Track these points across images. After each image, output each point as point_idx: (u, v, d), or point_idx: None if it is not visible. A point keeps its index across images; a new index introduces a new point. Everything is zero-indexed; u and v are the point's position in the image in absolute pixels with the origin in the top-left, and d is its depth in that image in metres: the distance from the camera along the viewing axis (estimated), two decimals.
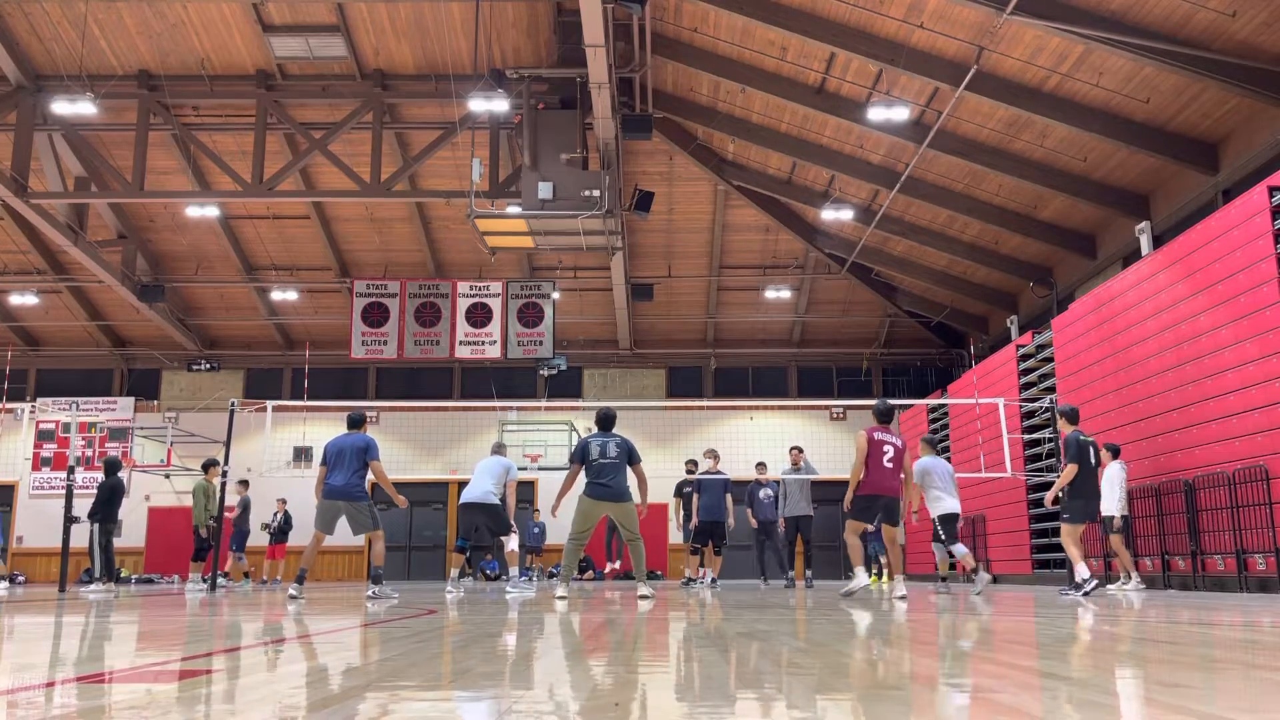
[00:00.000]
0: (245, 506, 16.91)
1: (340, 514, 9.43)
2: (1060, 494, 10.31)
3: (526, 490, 21.01)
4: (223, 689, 2.53)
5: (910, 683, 2.67)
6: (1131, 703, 2.28)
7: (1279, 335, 9.89)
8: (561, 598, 8.60)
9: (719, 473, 14.45)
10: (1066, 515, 10.10)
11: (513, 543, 11.96)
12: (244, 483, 16.99)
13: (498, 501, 11.69)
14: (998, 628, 4.94)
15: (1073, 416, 10.46)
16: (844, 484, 9.12)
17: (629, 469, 8.97)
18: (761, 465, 15.06)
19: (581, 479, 9.07)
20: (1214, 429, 10.93)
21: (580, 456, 9.03)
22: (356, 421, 9.92)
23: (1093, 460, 10.11)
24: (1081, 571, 9.66)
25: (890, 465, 8.82)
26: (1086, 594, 9.40)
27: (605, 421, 9.20)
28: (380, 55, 16.78)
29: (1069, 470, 9.97)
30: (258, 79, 16.99)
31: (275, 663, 3.30)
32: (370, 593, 9.32)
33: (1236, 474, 10.47)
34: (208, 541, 14.42)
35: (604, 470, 8.84)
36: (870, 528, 9.56)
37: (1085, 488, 10.09)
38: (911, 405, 21.66)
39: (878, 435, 8.93)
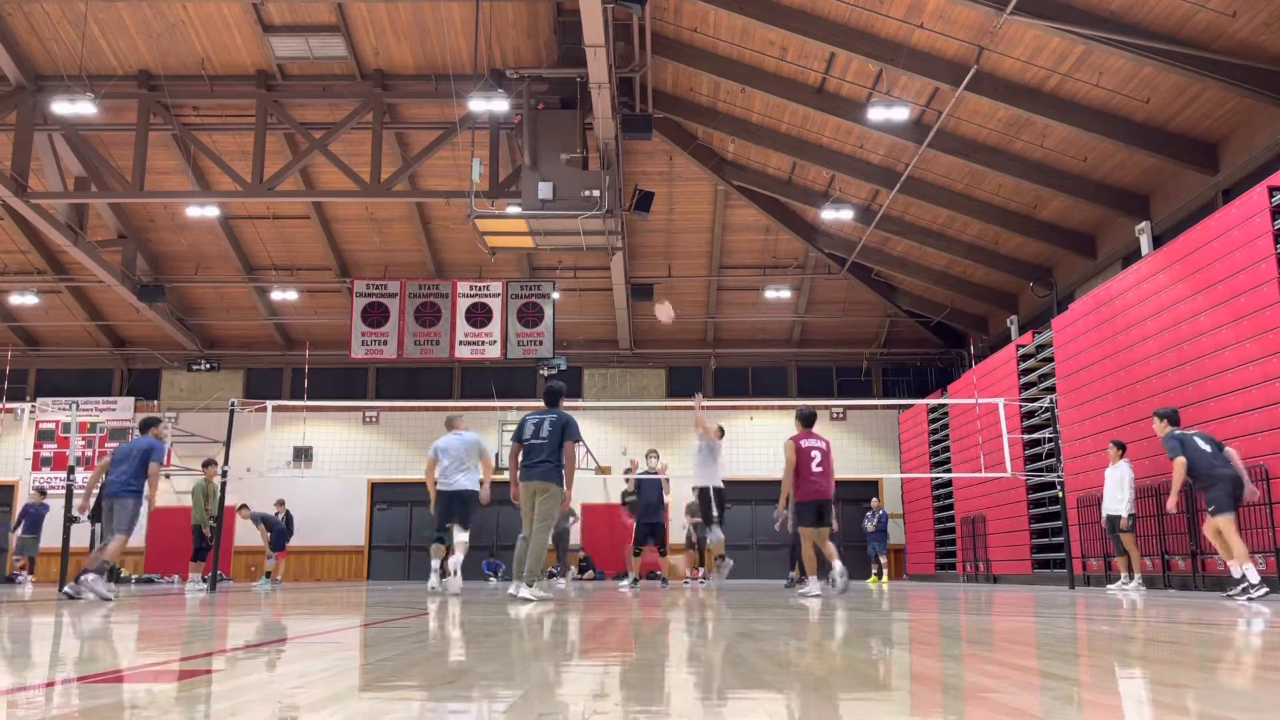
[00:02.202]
0: (262, 518, 17.07)
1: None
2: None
3: None
4: (222, 689, 2.53)
5: (910, 682, 2.67)
6: (1131, 702, 2.28)
7: (1279, 335, 9.89)
8: (525, 599, 7.85)
9: (657, 474, 14.33)
10: (1214, 508, 8.90)
11: (463, 536, 11.36)
12: (245, 506, 17.13)
13: (476, 489, 10.98)
14: (998, 628, 4.94)
15: (1174, 418, 9.62)
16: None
17: (562, 448, 8.35)
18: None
19: None
20: (1214, 429, 10.93)
21: (518, 435, 8.56)
22: (145, 426, 10.86)
23: (1205, 446, 9.04)
24: (1235, 570, 8.59)
25: (820, 469, 9.09)
26: (1249, 597, 8.27)
27: (549, 396, 8.72)
28: (380, 55, 16.78)
29: (1179, 464, 8.94)
30: (258, 79, 16.99)
31: (275, 663, 3.31)
32: (68, 589, 9.61)
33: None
34: (208, 541, 14.44)
35: (532, 451, 8.37)
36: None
37: (1213, 473, 8.94)
38: (911, 405, 21.67)
39: (804, 442, 9.18)
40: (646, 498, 14.03)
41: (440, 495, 10.74)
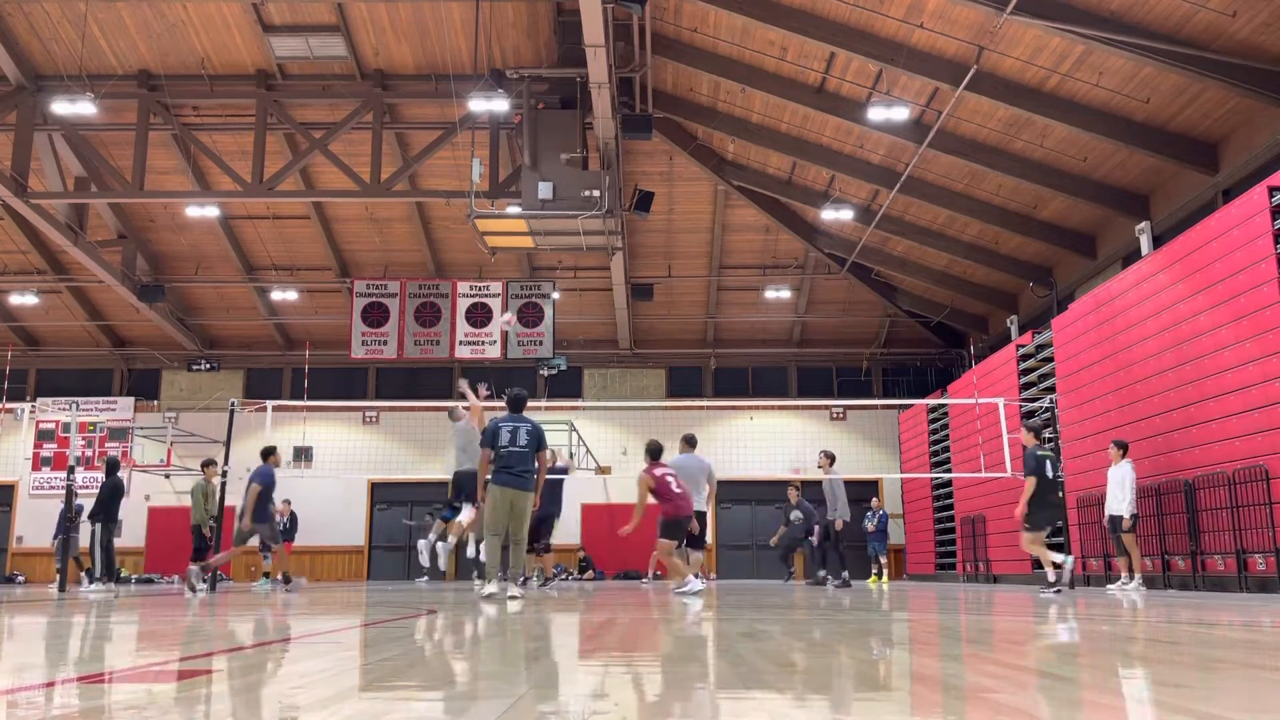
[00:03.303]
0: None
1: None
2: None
3: None
4: (222, 689, 2.53)
5: (909, 682, 2.67)
6: (1131, 703, 2.28)
7: (1279, 335, 9.89)
8: (488, 595, 8.24)
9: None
10: (1028, 525, 10.62)
11: (465, 514, 11.44)
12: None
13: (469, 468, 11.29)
14: (998, 628, 4.94)
15: (1040, 432, 11.05)
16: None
17: (535, 456, 8.63)
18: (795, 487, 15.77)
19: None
20: (1214, 429, 10.93)
21: (490, 441, 8.63)
22: (265, 454, 12.74)
23: (1049, 473, 10.55)
24: (1051, 574, 10.30)
25: (679, 490, 10.16)
26: (1059, 591, 10.01)
27: (516, 403, 8.79)
28: (380, 55, 16.78)
29: (1030, 484, 10.47)
30: (258, 79, 16.99)
31: (275, 663, 3.31)
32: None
33: (1236, 474, 10.48)
34: (207, 541, 14.43)
35: (514, 459, 8.50)
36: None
37: (1046, 498, 10.62)
38: (911, 405, 21.66)
39: (657, 471, 10.20)
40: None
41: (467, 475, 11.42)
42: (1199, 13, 11.51)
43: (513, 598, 8.39)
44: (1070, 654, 3.50)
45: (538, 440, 8.63)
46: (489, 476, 8.65)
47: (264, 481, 12.45)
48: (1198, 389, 11.26)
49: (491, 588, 8.43)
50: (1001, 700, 2.21)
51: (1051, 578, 10.14)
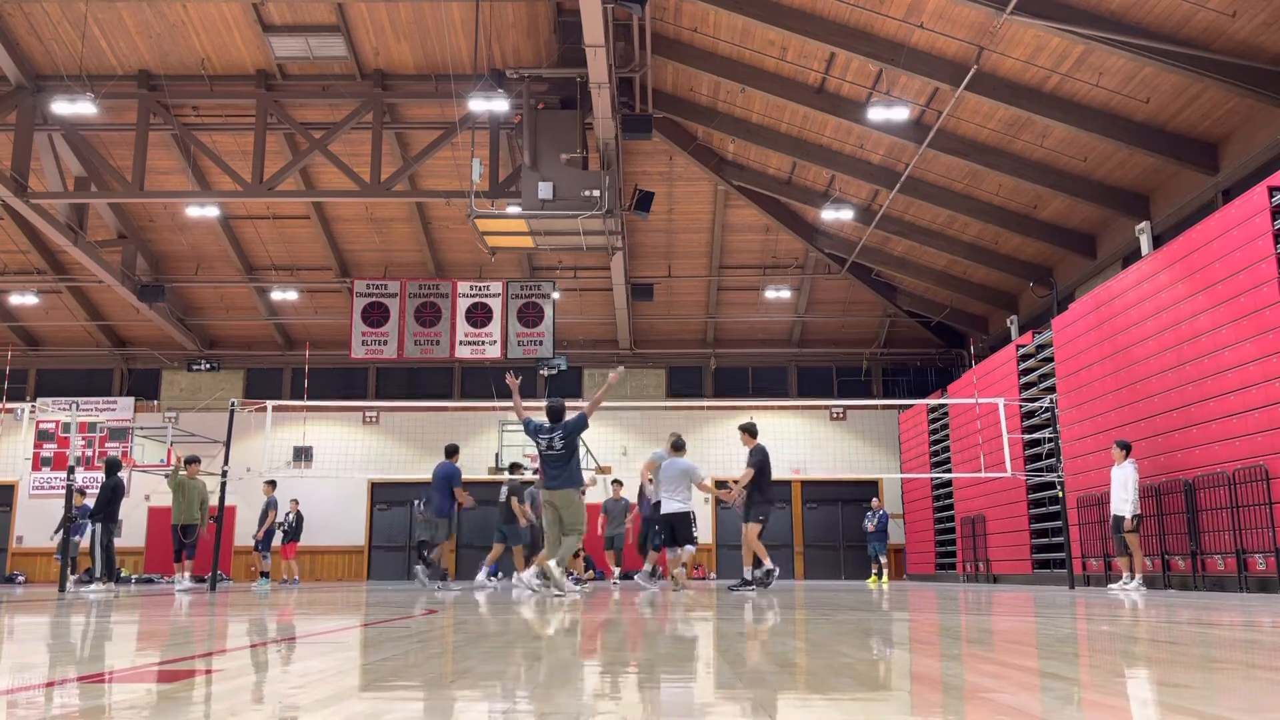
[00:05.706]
0: (274, 507, 17.06)
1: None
2: (742, 496, 11.90)
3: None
4: (222, 689, 2.53)
5: (909, 682, 2.67)
6: (1132, 702, 2.28)
7: (1279, 335, 9.89)
8: (553, 585, 9.14)
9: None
10: (759, 518, 11.60)
11: (685, 552, 11.86)
12: (271, 483, 17.10)
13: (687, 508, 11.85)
14: (998, 628, 4.94)
15: (755, 432, 12.09)
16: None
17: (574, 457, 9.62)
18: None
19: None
20: (1214, 429, 10.94)
21: (532, 435, 9.64)
22: (449, 453, 13.87)
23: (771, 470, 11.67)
24: (768, 563, 11.48)
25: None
26: (765, 584, 11.25)
27: (553, 414, 9.66)
28: (380, 55, 16.78)
29: (749, 473, 11.49)
30: (258, 79, 16.99)
31: (274, 663, 3.31)
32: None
33: (1236, 474, 10.48)
34: (185, 542, 14.32)
35: (551, 462, 9.50)
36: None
37: (769, 493, 11.68)
38: (911, 405, 21.66)
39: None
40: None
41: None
42: (1199, 13, 11.51)
43: (559, 594, 8.92)
44: (1071, 654, 3.50)
45: (572, 437, 9.48)
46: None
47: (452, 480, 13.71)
48: (1198, 389, 11.26)
49: (538, 573, 9.31)
50: (1001, 700, 2.21)
51: (759, 573, 11.21)
